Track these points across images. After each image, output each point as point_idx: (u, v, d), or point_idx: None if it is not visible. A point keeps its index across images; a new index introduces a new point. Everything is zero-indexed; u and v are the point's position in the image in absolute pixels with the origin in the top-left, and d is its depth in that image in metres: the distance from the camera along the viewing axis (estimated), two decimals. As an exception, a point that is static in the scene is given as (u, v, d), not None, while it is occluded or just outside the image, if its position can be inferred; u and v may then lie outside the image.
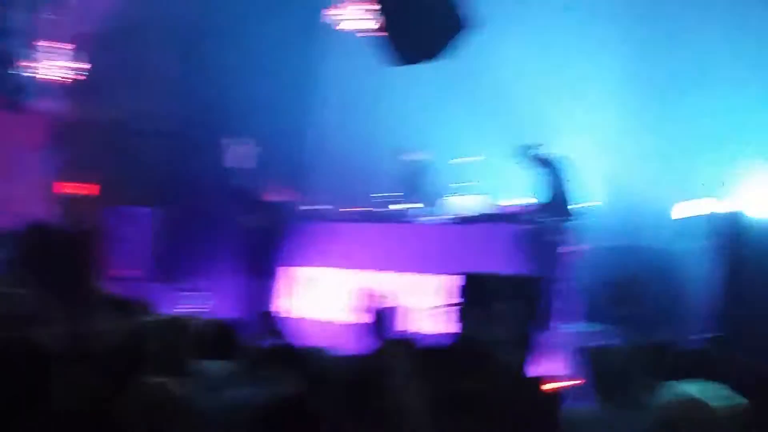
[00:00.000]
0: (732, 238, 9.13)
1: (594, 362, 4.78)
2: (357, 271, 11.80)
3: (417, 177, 12.83)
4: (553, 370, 7.33)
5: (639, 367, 4.92)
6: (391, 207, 12.31)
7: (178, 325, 5.25)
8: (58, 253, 11.78)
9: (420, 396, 4.08)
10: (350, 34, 11.19)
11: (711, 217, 9.66)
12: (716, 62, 11.75)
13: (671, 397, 3.64)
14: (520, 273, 10.12)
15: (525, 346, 6.97)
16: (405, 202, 12.22)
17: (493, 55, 13.17)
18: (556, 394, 5.20)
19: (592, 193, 12.56)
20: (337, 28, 11.24)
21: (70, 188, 14.86)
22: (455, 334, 6.32)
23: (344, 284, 11.87)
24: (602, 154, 12.65)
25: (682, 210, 12.20)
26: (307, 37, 14.54)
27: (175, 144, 14.99)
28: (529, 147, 11.70)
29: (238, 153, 11.78)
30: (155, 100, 15.17)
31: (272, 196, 11.84)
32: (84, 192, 14.80)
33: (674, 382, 3.76)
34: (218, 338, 5.79)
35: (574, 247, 11.17)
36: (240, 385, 5.27)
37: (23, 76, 12.32)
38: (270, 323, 6.67)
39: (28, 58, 12.37)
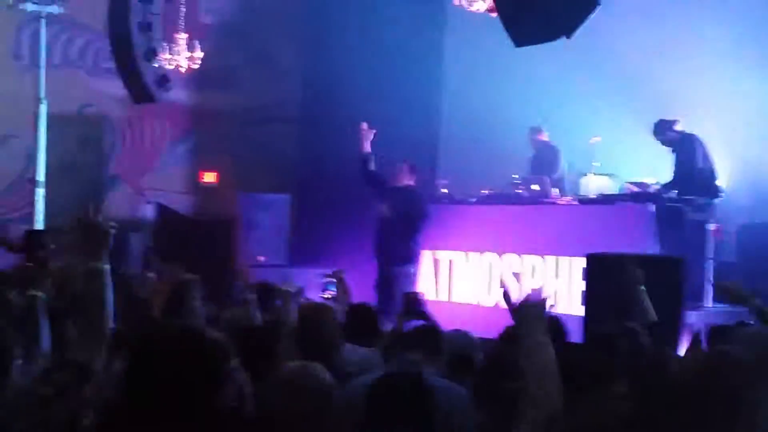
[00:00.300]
0: None
1: (740, 343, 4.61)
2: (494, 253, 11.76)
3: (551, 157, 12.71)
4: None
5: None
6: (525, 188, 12.20)
7: (319, 310, 5.31)
8: (197, 241, 12.12)
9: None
10: (476, 14, 11.10)
11: None
12: None
13: None
14: (660, 254, 9.93)
15: (670, 328, 6.86)
16: (539, 183, 12.09)
17: (623, 32, 12.96)
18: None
19: (728, 171, 12.29)
20: (465, 8, 11.12)
21: (208, 177, 15.20)
22: (597, 317, 6.23)
23: (482, 267, 11.86)
24: (737, 130, 12.33)
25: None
26: (433, 17, 14.51)
27: (309, 131, 15.18)
28: (664, 124, 11.48)
29: (370, 138, 11.77)
30: (286, 87, 15.40)
31: (406, 180, 11.80)
32: (221, 180, 15.13)
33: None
34: (361, 322, 5.83)
35: (712, 225, 10.91)
36: (383, 369, 5.31)
37: (159, 68, 12.62)
38: (411, 307, 6.66)
39: (163, 50, 12.66)
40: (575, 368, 3.98)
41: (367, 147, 11.75)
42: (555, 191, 12.07)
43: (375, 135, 11.83)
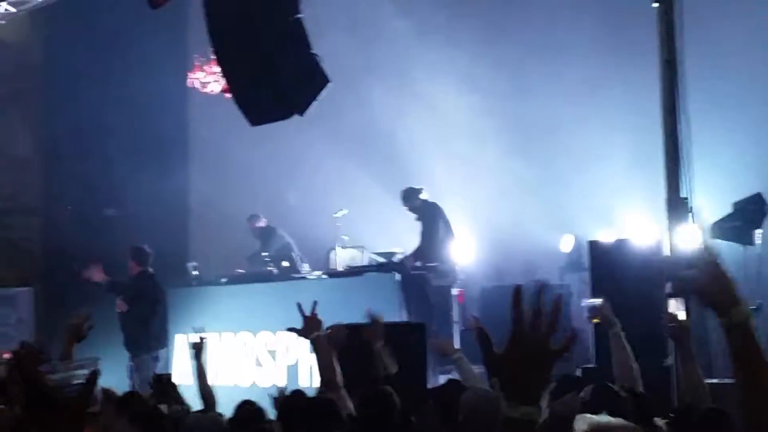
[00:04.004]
0: (610, 266, 9.30)
1: (470, 407, 4.75)
2: (248, 332, 11.71)
3: (272, 238, 12.94)
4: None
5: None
6: (276, 265, 12.26)
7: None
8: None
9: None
10: (214, 95, 11.21)
11: (592, 249, 9.85)
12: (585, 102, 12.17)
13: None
14: (407, 320, 10.17)
15: (417, 392, 7.01)
16: (286, 260, 12.19)
17: (367, 105, 13.34)
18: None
19: (471, 238, 12.78)
20: (201, 90, 11.23)
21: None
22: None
23: (236, 347, 11.77)
24: (479, 200, 12.87)
25: (563, 245, 12.48)
26: (176, 99, 14.48)
27: (52, 220, 14.74)
28: (411, 192, 11.80)
29: (97, 271, 11.59)
30: (26, 177, 14.94)
31: (136, 268, 11.61)
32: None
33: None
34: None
35: (455, 290, 11.30)
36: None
37: None
38: (162, 390, 6.54)
39: None
40: None
41: (99, 276, 11.52)
42: (305, 266, 12.21)
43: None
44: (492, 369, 2.24)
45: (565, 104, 12.48)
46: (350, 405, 5.37)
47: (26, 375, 2.45)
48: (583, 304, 5.87)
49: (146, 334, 11.46)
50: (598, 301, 5.58)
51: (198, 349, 7.43)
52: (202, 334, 7.59)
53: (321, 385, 5.54)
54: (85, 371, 2.71)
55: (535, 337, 2.19)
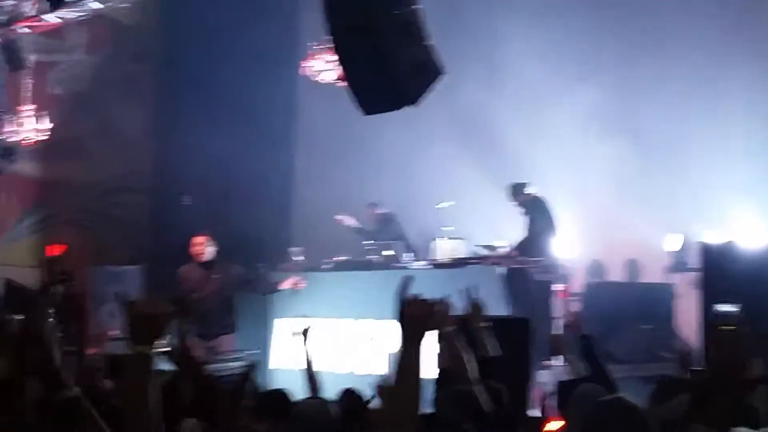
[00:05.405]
0: (723, 268, 9.15)
1: (579, 403, 4.70)
2: (351, 319, 11.78)
3: (393, 227, 12.93)
4: (547, 410, 7.32)
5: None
6: (378, 254, 12.30)
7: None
8: (35, 315, 11.73)
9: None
10: (326, 84, 11.28)
11: (701, 250, 9.69)
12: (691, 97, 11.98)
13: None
14: (508, 315, 10.13)
15: (520, 388, 7.00)
16: (390, 249, 12.22)
17: (470, 99, 13.31)
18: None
19: (576, 232, 12.67)
20: (314, 78, 11.31)
21: (54, 249, 14.81)
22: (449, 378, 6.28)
23: (339, 333, 11.85)
24: (586, 195, 12.75)
25: (667, 243, 12.29)
26: (286, 84, 14.64)
27: (160, 200, 15.04)
28: (517, 187, 11.75)
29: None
30: (137, 157, 15.26)
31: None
32: (67, 252, 14.75)
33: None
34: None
35: (559, 285, 11.21)
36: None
37: (4, 140, 12.38)
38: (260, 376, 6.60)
39: (8, 122, 12.42)
40: None
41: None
42: (408, 256, 12.23)
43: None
44: (690, 392, 2.20)
45: (677, 100, 12.31)
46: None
47: (193, 364, 2.47)
48: (716, 310, 5.66)
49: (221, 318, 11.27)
50: (733, 308, 5.41)
51: (304, 335, 7.49)
52: (308, 321, 7.63)
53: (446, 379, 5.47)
54: (241, 363, 2.71)
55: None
